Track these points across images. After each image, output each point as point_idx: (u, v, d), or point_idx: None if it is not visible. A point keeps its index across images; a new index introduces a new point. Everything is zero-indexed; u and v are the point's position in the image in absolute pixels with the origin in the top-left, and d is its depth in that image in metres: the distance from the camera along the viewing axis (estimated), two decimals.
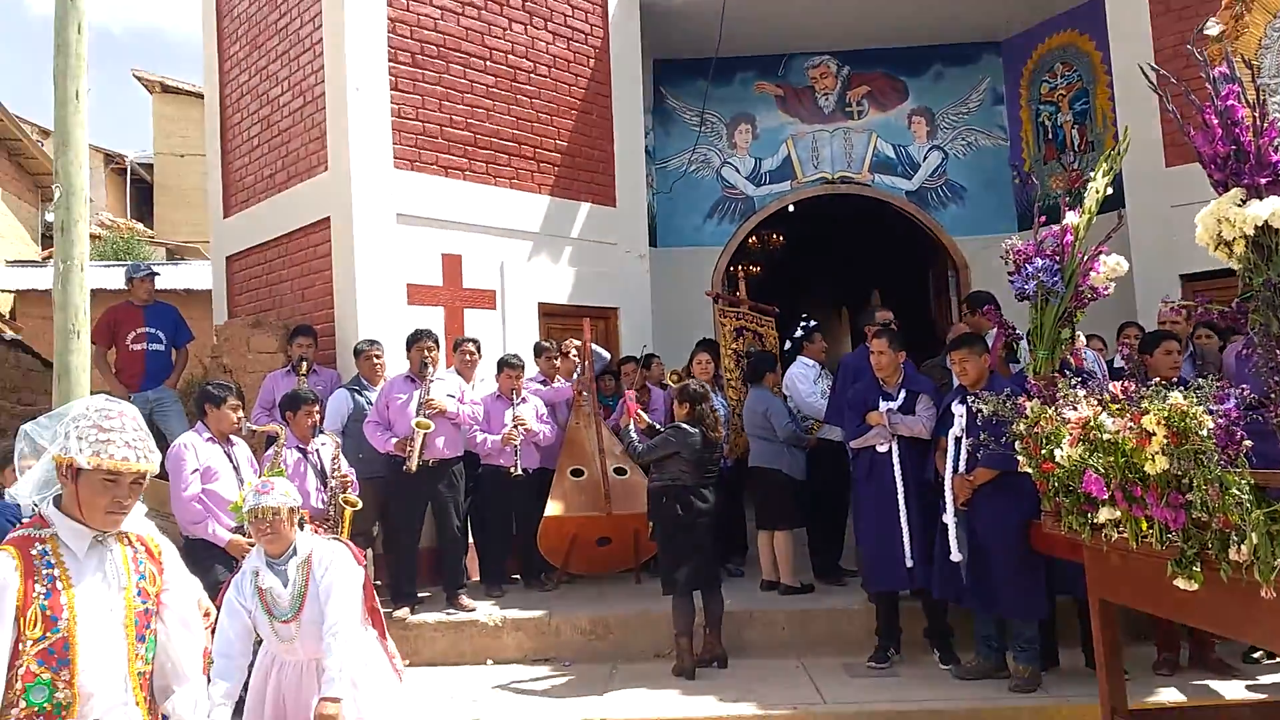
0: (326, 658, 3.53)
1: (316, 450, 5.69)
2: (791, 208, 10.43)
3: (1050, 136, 9.95)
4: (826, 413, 6.26)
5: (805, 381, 6.62)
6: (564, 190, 8.50)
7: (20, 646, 2.24)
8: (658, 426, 6.26)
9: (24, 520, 2.50)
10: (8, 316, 12.39)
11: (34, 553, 2.31)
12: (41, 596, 2.27)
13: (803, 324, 6.65)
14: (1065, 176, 9.78)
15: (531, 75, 8.39)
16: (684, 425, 5.61)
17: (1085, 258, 4.40)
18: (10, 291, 13.92)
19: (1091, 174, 4.49)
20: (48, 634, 2.26)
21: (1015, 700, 4.92)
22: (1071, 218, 4.47)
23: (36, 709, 2.24)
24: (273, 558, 3.69)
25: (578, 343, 7.31)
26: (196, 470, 5.31)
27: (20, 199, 16.57)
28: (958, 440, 5.06)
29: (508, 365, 6.90)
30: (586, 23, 8.88)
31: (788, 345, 6.91)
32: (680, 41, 9.91)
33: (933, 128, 10.38)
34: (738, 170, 10.36)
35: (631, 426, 5.84)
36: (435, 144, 7.72)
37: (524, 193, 8.22)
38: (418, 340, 6.57)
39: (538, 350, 7.46)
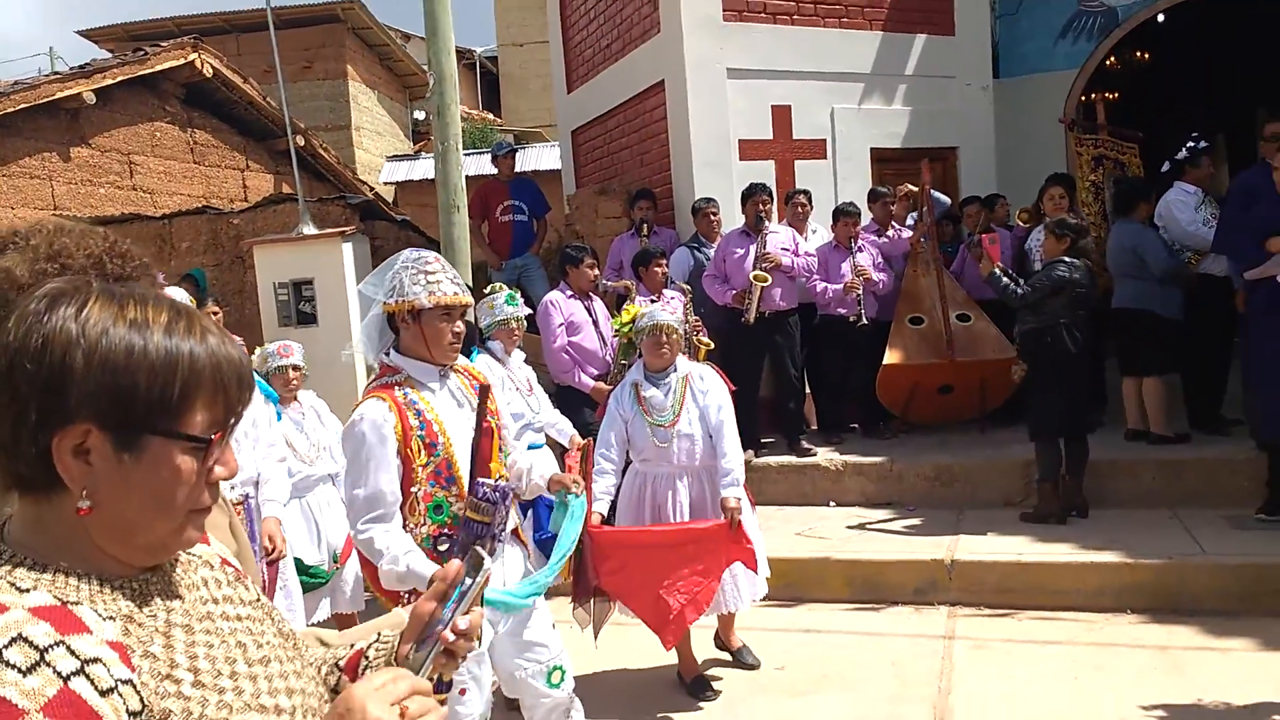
0: (721, 460, 3.93)
1: (670, 300, 6.04)
2: (1161, 17, 9.03)
3: None
4: (1215, 241, 5.50)
5: (1185, 209, 5.85)
6: (897, 23, 7.99)
7: (413, 474, 2.65)
8: (1000, 270, 5.89)
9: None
10: (393, 204, 14.19)
11: (398, 395, 2.69)
12: (417, 429, 2.66)
13: (1190, 144, 5.74)
14: None
15: None
16: (1067, 259, 5.28)
17: None
18: (391, 184, 15.88)
19: None
20: (431, 458, 2.66)
21: None
22: None
23: (439, 524, 2.68)
24: (654, 372, 4.06)
25: (913, 187, 7.01)
26: (562, 324, 5.87)
27: (392, 99, 18.62)
28: None
29: (844, 214, 6.80)
30: None
31: (1165, 167, 6.07)
32: None
33: None
34: None
35: (997, 270, 5.53)
36: None
37: (854, 31, 7.84)
38: (752, 195, 6.64)
39: (873, 196, 7.23)
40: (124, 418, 0.94)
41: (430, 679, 1.16)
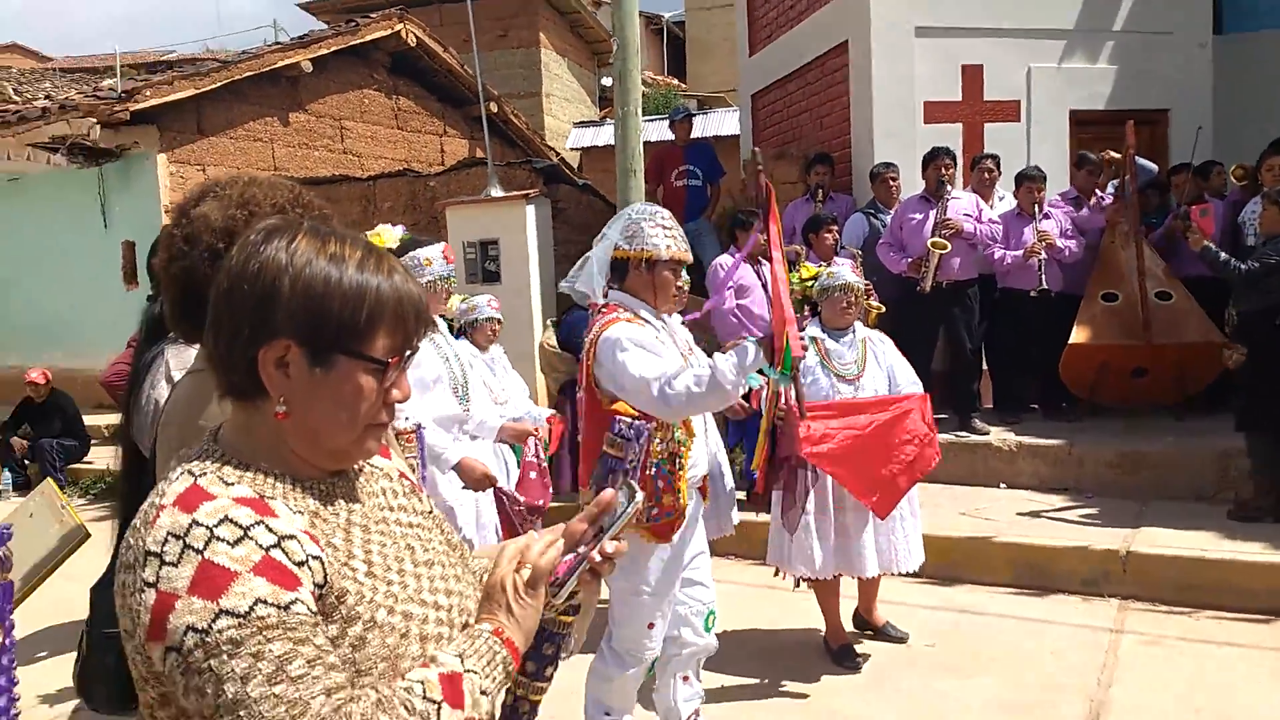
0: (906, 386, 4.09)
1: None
2: None
3: None
4: None
5: None
6: None
7: None
8: (1212, 247, 5.40)
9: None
10: (578, 170, 14.57)
11: (644, 318, 2.92)
12: None
13: None
14: None
15: None
16: None
17: None
18: (577, 150, 16.27)
19: None
20: None
21: None
22: None
23: (666, 447, 2.86)
24: (836, 330, 4.10)
25: (1116, 154, 6.52)
26: (731, 287, 5.90)
27: (581, 66, 19.02)
28: None
29: (1028, 178, 6.44)
30: None
31: None
32: None
33: None
34: None
35: (1210, 245, 5.13)
36: None
37: None
38: (934, 159, 6.40)
39: (1081, 161, 6.75)
40: (318, 337, 1.08)
41: (574, 593, 1.28)
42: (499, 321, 5.17)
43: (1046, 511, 5.45)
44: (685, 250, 2.94)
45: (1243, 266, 4.92)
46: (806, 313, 4.27)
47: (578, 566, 1.25)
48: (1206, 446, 5.62)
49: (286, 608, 0.99)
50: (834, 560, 3.95)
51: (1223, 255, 5.01)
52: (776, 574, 4.14)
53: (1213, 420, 6.11)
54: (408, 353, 1.16)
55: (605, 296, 2.95)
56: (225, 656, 0.96)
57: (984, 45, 7.20)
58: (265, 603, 0.98)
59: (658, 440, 2.84)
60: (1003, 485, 6.00)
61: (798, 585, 4.16)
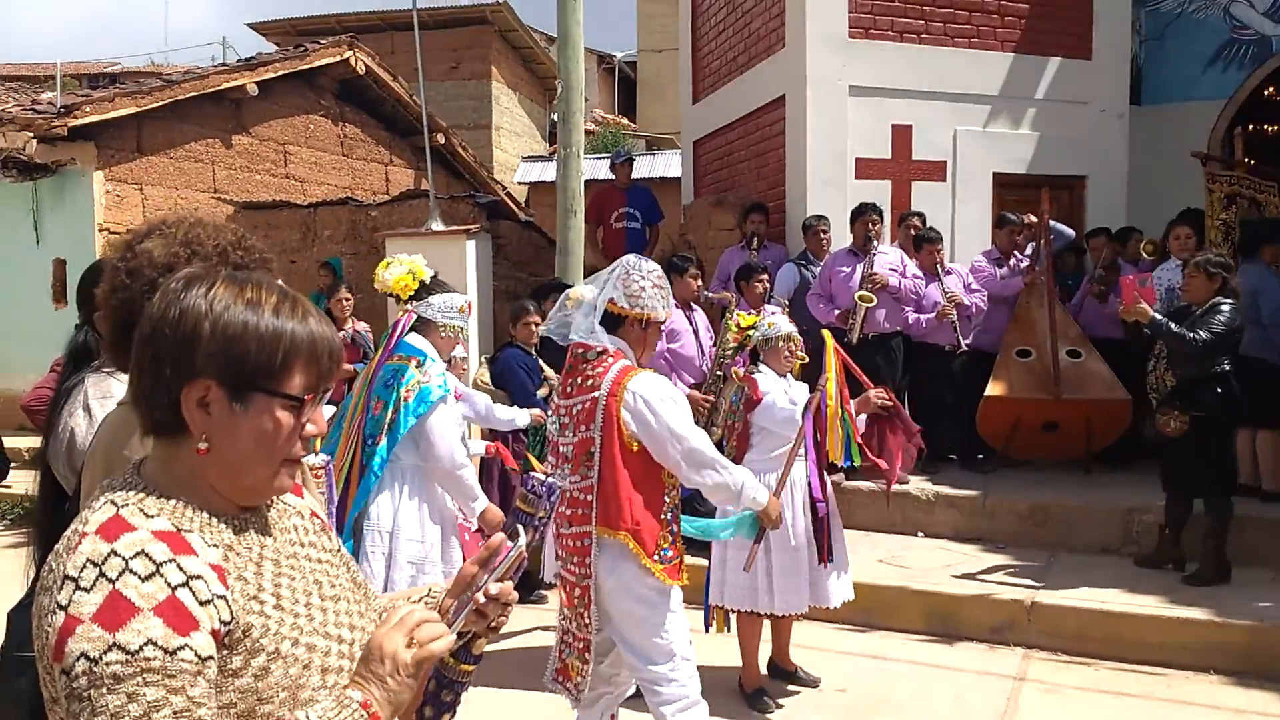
0: None
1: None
2: None
3: None
4: None
5: None
6: (1030, 45, 7.79)
7: None
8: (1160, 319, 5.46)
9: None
10: (524, 204, 14.67)
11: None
12: None
13: None
14: None
15: None
16: (1228, 301, 4.95)
17: None
18: (525, 184, 16.40)
19: None
20: None
21: None
22: None
23: (675, 495, 3.06)
24: (780, 375, 4.26)
25: (1034, 217, 6.83)
26: (662, 330, 6.02)
27: (533, 101, 19.21)
28: None
29: (927, 241, 6.67)
30: None
31: None
32: None
33: None
34: (1252, 5, 8.59)
35: (1158, 316, 4.99)
36: (892, 7, 7.52)
37: (983, 51, 7.70)
38: (862, 214, 6.62)
39: (1000, 221, 7.04)
40: (237, 377, 1.17)
41: (462, 633, 1.34)
42: (464, 360, 5.41)
43: (956, 559, 5.63)
44: (672, 308, 3.22)
45: (1196, 338, 4.85)
46: (743, 359, 4.40)
47: (464, 608, 1.31)
48: (1112, 501, 5.86)
49: (173, 653, 1.05)
50: (791, 596, 4.09)
51: (1174, 327, 4.90)
52: (710, 620, 4.19)
53: (1117, 475, 6.40)
54: (322, 389, 1.24)
55: (595, 336, 3.03)
56: (104, 690, 1.02)
57: (914, 106, 7.50)
58: (155, 644, 1.04)
59: (670, 487, 3.01)
60: (920, 534, 6.17)
61: (709, 629, 4.23)
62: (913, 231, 6.90)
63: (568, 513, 3.04)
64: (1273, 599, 4.75)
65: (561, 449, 3.09)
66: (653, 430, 2.90)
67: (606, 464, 2.95)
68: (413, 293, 4.01)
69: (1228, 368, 4.93)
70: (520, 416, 5.23)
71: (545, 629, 4.89)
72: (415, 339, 3.99)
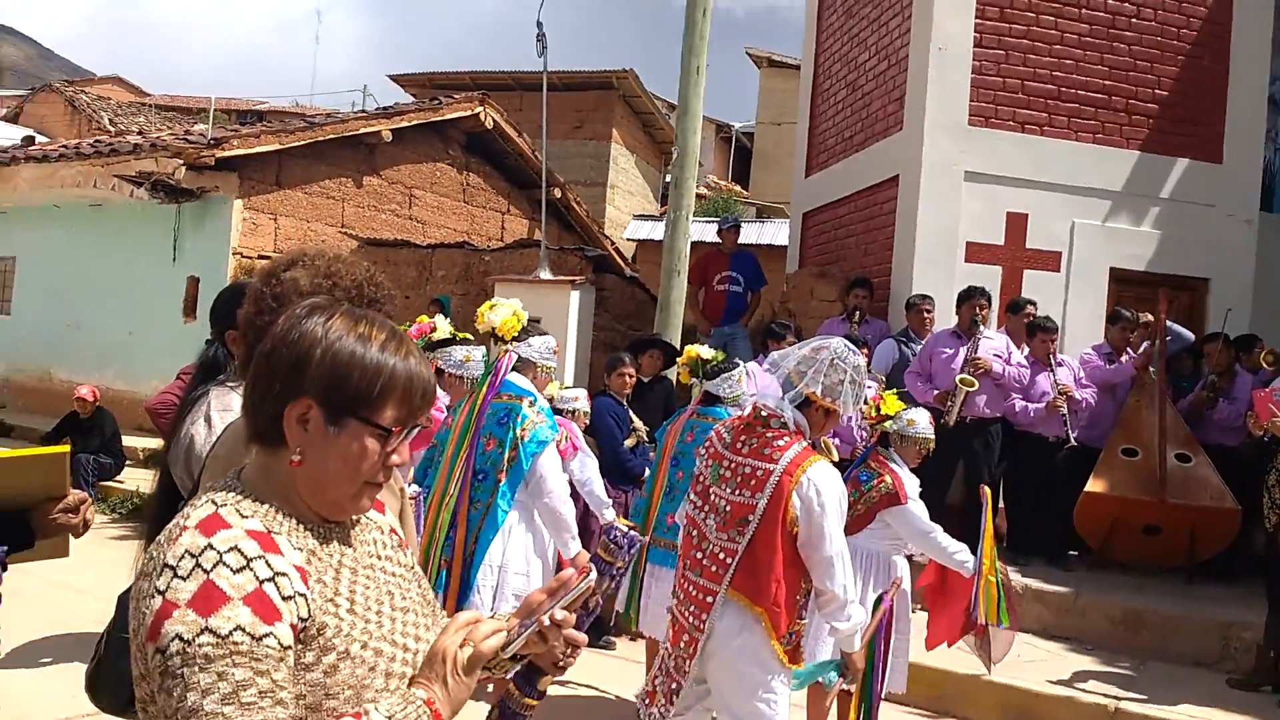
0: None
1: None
2: None
3: None
4: None
5: None
6: (1157, 144, 7.68)
7: None
8: None
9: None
10: (631, 260, 14.98)
11: None
12: None
13: None
14: None
15: (1133, 19, 7.69)
16: None
17: None
18: (634, 240, 16.75)
19: None
20: None
21: None
22: None
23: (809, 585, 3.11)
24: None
25: (1150, 316, 6.67)
26: (754, 395, 6.06)
27: (649, 163, 19.69)
28: None
29: (1041, 329, 6.57)
30: None
31: None
32: None
33: None
34: None
35: None
36: (1014, 99, 7.53)
37: (1107, 148, 7.61)
38: (970, 297, 6.58)
39: (1114, 318, 6.89)
40: (337, 401, 1.28)
41: (529, 666, 1.44)
42: (586, 414, 5.63)
43: (1043, 658, 5.42)
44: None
45: None
46: (872, 439, 4.34)
47: (527, 629, 1.39)
48: (1211, 614, 5.59)
49: (260, 639, 1.14)
50: None
51: None
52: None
53: (1220, 588, 6.10)
54: (411, 424, 1.34)
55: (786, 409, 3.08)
56: (197, 668, 1.11)
57: (1031, 195, 7.44)
58: (243, 630, 1.13)
59: (803, 579, 3.02)
60: (1004, 626, 5.96)
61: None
62: (1027, 319, 6.80)
63: (703, 561, 3.06)
64: None
65: (713, 497, 3.10)
66: (813, 522, 2.93)
67: (764, 539, 2.96)
68: (515, 334, 4.20)
69: None
70: (609, 512, 5.11)
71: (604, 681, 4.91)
72: (517, 378, 4.13)
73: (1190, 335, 6.87)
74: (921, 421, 4.22)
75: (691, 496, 3.27)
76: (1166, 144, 7.69)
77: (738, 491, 3.02)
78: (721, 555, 3.01)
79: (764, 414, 3.08)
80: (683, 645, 3.08)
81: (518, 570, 3.98)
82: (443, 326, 4.63)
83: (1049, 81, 7.56)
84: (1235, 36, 7.77)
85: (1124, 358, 6.73)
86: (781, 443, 3.00)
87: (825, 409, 3.05)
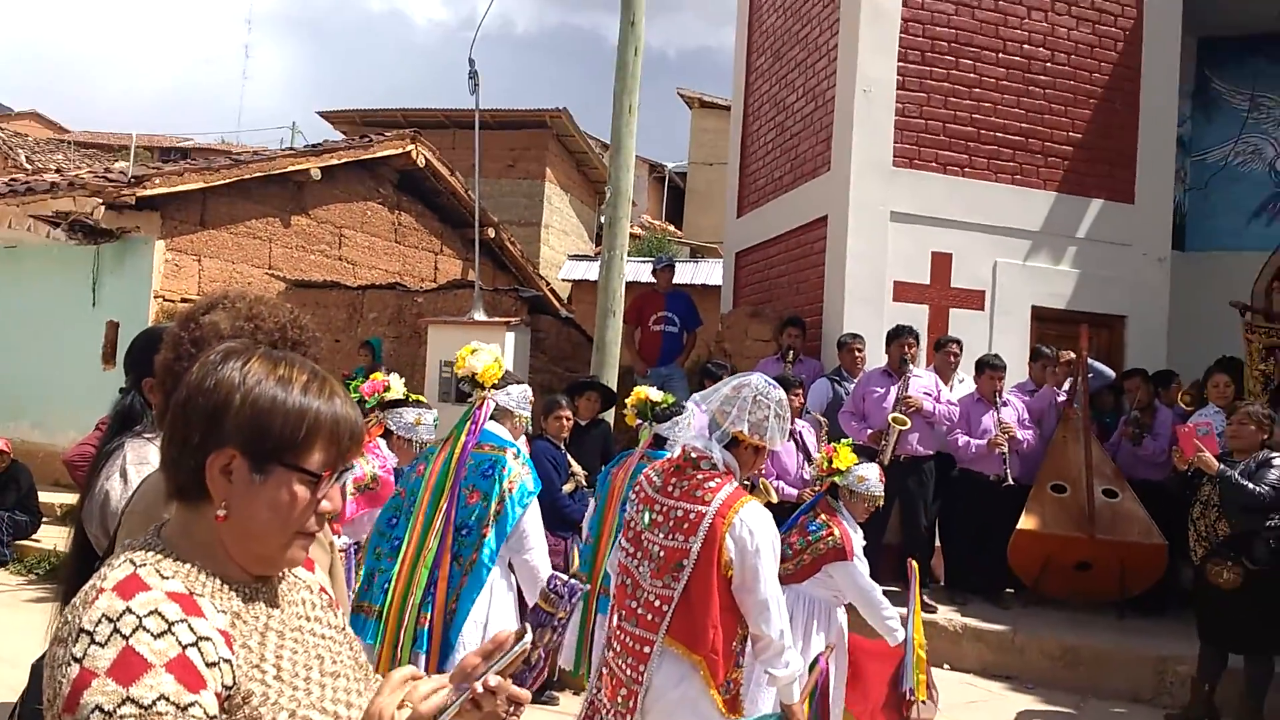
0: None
1: (799, 431, 6.11)
2: None
3: None
4: None
5: None
6: (1073, 186, 7.94)
7: None
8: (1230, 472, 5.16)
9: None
10: (566, 300, 14.95)
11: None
12: None
13: None
14: None
15: (1047, 64, 7.97)
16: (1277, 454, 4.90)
17: None
18: (569, 281, 16.73)
19: None
20: None
21: None
22: None
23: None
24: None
25: (1073, 354, 6.83)
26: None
27: (583, 202, 19.75)
28: None
29: (990, 366, 6.69)
30: (1117, 3, 8.15)
31: None
32: (1231, 16, 8.64)
33: None
34: None
35: (1223, 467, 4.88)
36: (936, 140, 7.73)
37: (1026, 189, 7.85)
38: (899, 336, 6.66)
39: (1035, 355, 7.07)
40: (260, 448, 1.21)
41: None
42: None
43: (984, 698, 5.45)
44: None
45: (1262, 491, 4.74)
46: (822, 488, 4.27)
47: (462, 694, 1.32)
48: (1145, 648, 5.69)
49: (185, 709, 1.07)
50: None
51: (1239, 479, 4.79)
52: None
53: (1151, 622, 6.22)
54: (341, 467, 1.28)
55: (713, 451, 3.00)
56: None
57: (955, 236, 7.62)
58: (167, 699, 1.07)
59: (739, 624, 2.95)
60: (946, 666, 6.00)
61: None
62: (951, 358, 6.92)
63: (638, 610, 2.98)
64: None
65: (646, 542, 3.03)
66: (747, 564, 2.88)
67: (699, 583, 2.90)
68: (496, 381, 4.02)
69: (1277, 522, 4.82)
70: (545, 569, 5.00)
71: None
72: (496, 428, 3.98)
73: (1111, 372, 7.05)
74: (872, 478, 4.18)
75: (623, 543, 3.20)
76: (1082, 185, 7.96)
77: (670, 536, 2.96)
78: (657, 603, 2.94)
79: (693, 455, 3.03)
80: (620, 700, 3.00)
81: (503, 626, 3.84)
82: (396, 386, 4.49)
83: (969, 124, 7.78)
84: (1145, 81, 8.10)
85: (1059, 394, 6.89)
86: (713, 484, 2.94)
87: (754, 446, 2.99)
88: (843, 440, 4.60)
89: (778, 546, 2.99)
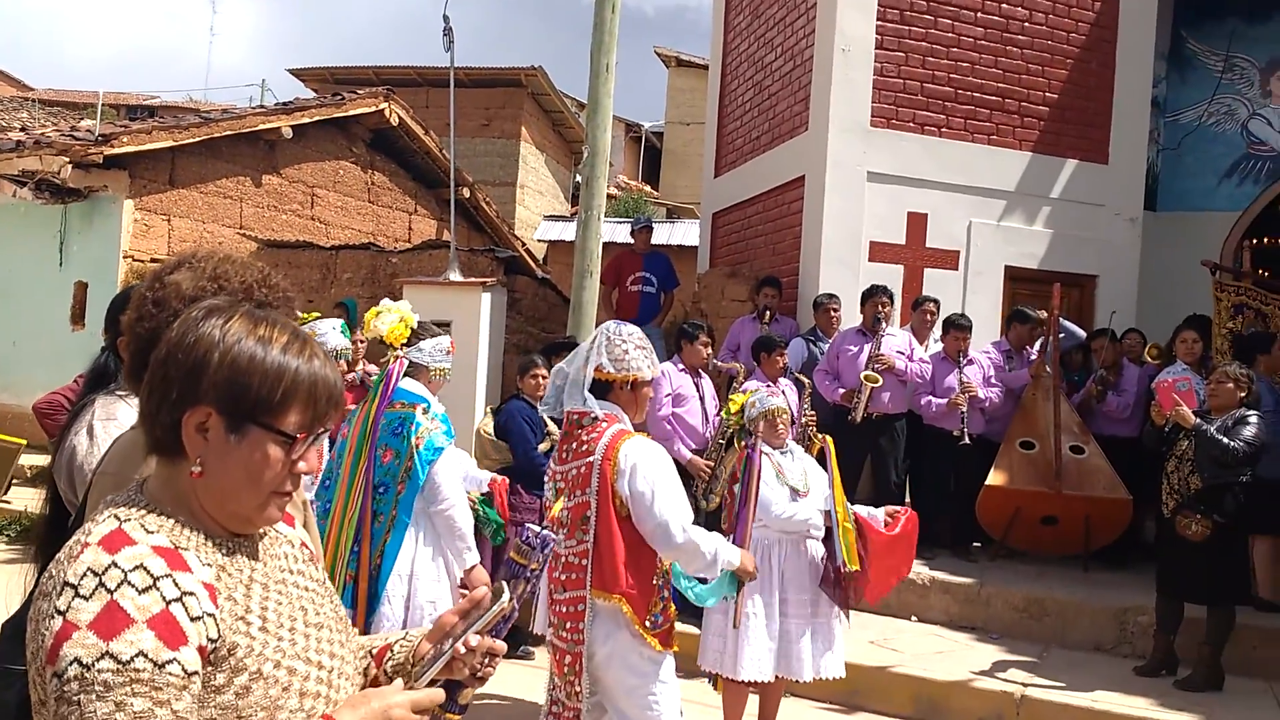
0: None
1: (783, 391, 6.15)
2: None
3: None
4: None
5: None
6: (1048, 146, 7.98)
7: None
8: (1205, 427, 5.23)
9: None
10: (543, 261, 14.89)
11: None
12: None
13: None
14: None
15: (1025, 24, 7.97)
16: (1256, 411, 5.00)
17: None
18: (545, 241, 16.65)
19: None
20: None
21: None
22: None
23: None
24: (775, 448, 4.24)
25: (1045, 313, 6.91)
26: (669, 394, 6.07)
27: (558, 163, 19.59)
28: None
29: (955, 326, 6.74)
30: None
31: None
32: None
33: None
34: (1270, 123, 8.81)
35: (1201, 423, 4.92)
36: (914, 100, 7.73)
37: (1002, 149, 7.88)
38: (873, 295, 6.71)
39: (1020, 318, 7.03)
40: (236, 407, 1.22)
41: (436, 679, 1.39)
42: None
43: (951, 648, 5.58)
44: (658, 367, 3.24)
45: (1236, 446, 4.81)
46: (750, 442, 4.35)
47: (440, 657, 1.35)
48: (1108, 600, 5.83)
49: (162, 666, 1.09)
50: (774, 663, 4.06)
51: (1215, 434, 4.85)
52: (713, 681, 4.20)
53: (1115, 574, 6.37)
54: (318, 429, 1.28)
55: (590, 404, 3.08)
56: (94, 696, 1.06)
57: (931, 196, 7.65)
58: (145, 656, 1.08)
59: (656, 558, 3.02)
60: (914, 618, 6.13)
61: (715, 685, 4.22)
62: (928, 317, 6.97)
63: (562, 578, 3.05)
64: (1263, 709, 4.70)
65: (558, 514, 3.10)
66: (634, 494, 2.95)
67: (602, 528, 2.98)
68: (405, 340, 4.06)
69: (1249, 478, 4.95)
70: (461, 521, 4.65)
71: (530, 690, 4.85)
72: (410, 384, 4.01)
73: (1082, 333, 7.13)
74: (762, 396, 4.28)
75: (547, 524, 3.27)
76: (1057, 145, 8.00)
77: (571, 496, 3.06)
78: (577, 561, 3.03)
79: (575, 418, 3.11)
80: (566, 667, 3.06)
81: (429, 577, 3.90)
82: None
83: (946, 84, 7.78)
84: (1121, 42, 8.12)
85: (1022, 354, 6.96)
86: (595, 434, 3.04)
87: (626, 381, 3.06)
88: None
89: (670, 469, 3.04)
